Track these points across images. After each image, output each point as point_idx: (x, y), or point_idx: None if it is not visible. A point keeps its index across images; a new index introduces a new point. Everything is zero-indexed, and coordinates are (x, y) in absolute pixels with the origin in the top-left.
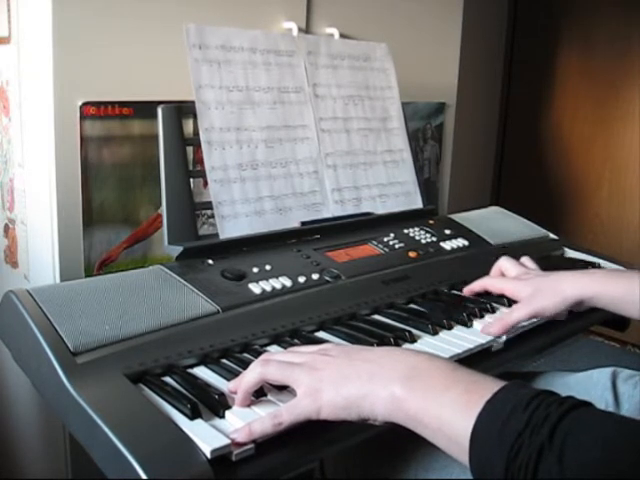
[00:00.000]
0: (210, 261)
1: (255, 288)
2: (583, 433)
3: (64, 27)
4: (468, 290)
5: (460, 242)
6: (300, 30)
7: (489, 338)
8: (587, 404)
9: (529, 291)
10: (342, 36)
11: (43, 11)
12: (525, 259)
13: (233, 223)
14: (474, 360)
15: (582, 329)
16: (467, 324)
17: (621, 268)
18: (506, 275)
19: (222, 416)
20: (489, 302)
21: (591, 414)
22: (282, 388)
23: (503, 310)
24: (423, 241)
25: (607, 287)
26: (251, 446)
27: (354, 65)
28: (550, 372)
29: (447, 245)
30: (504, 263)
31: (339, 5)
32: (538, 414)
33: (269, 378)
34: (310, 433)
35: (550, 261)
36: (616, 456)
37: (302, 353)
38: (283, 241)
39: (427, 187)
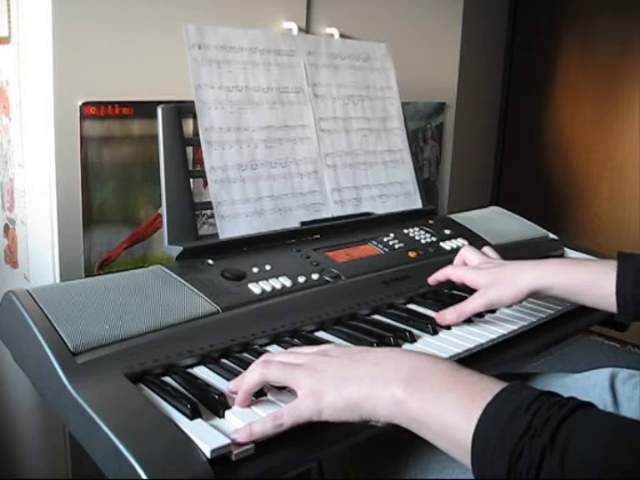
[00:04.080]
0: (210, 261)
1: (255, 288)
2: (585, 435)
3: (64, 27)
4: (432, 280)
5: (460, 242)
6: (300, 30)
7: (489, 337)
8: (589, 405)
9: (487, 281)
10: (342, 36)
11: (43, 11)
12: (487, 248)
13: (233, 223)
14: (474, 360)
15: (582, 329)
16: (467, 324)
17: (590, 257)
18: (468, 264)
19: (222, 416)
20: None
21: (593, 416)
22: (282, 388)
23: (503, 310)
24: (423, 241)
25: (563, 277)
26: (251, 446)
27: (354, 65)
28: (548, 373)
29: (447, 245)
30: (466, 252)
31: (339, 5)
32: (540, 416)
33: (270, 379)
34: (310, 433)
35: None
36: (618, 458)
37: (303, 354)
38: (283, 241)
39: (427, 187)
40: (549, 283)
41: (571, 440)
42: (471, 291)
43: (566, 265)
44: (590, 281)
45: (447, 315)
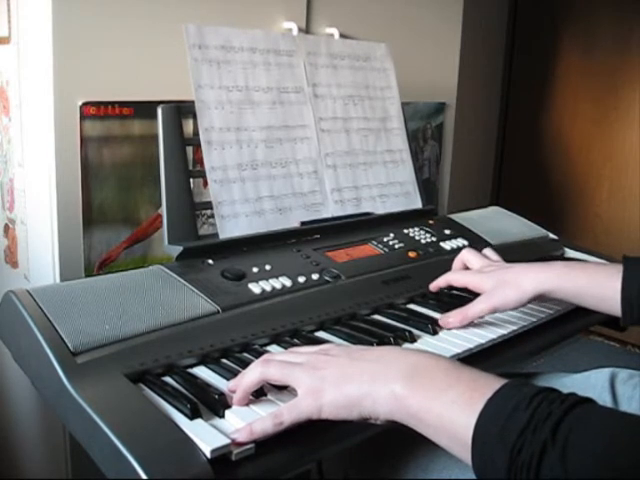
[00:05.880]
0: (210, 261)
1: (255, 288)
2: (586, 430)
3: (64, 27)
4: (434, 286)
5: (460, 242)
6: (300, 30)
7: (489, 338)
8: (589, 401)
9: (491, 285)
10: (342, 36)
11: (43, 11)
12: (487, 250)
13: (233, 223)
14: (474, 360)
15: (582, 329)
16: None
17: (591, 258)
18: (469, 268)
19: (222, 416)
20: None
21: (593, 411)
22: (282, 388)
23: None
24: (423, 241)
25: (567, 280)
26: (251, 446)
27: (354, 65)
28: (548, 373)
29: (447, 245)
30: (467, 255)
31: (339, 5)
32: (540, 411)
33: (269, 378)
34: (310, 433)
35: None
36: (619, 453)
37: (303, 353)
38: (283, 241)
39: (427, 187)
40: (553, 286)
41: (572, 434)
42: (472, 291)
43: (570, 268)
44: (594, 286)
45: (450, 319)
